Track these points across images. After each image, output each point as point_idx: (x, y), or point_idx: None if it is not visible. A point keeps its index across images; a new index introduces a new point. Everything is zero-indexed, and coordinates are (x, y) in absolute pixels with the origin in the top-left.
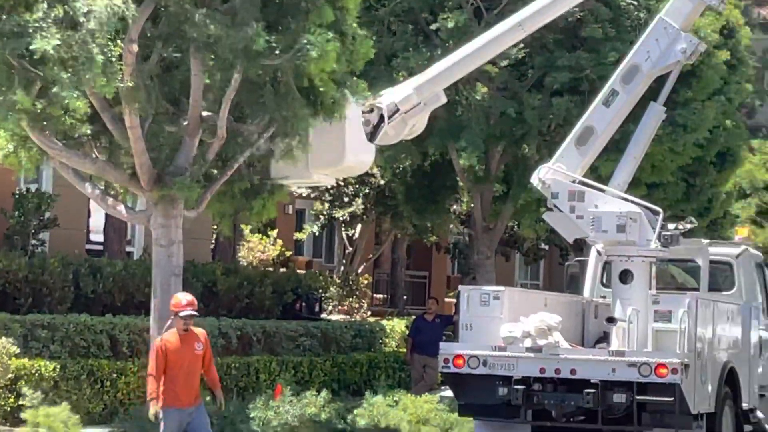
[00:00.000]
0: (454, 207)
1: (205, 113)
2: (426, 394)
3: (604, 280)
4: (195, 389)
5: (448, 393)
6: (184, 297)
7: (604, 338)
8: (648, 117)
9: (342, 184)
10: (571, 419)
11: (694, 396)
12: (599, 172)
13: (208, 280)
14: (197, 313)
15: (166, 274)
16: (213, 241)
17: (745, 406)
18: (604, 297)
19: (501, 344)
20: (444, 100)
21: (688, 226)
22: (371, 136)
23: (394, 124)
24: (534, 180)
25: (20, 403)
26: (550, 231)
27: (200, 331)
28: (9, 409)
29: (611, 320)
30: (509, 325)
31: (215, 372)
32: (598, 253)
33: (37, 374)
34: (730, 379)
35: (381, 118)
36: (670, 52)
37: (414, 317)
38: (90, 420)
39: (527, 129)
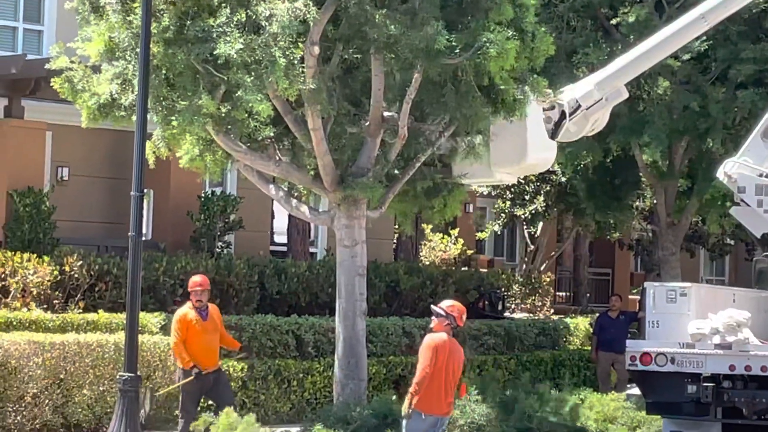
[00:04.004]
0: (637, 203)
1: (386, 113)
2: (613, 391)
3: None
4: None
5: (635, 391)
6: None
7: None
8: None
9: (523, 181)
10: (763, 417)
11: None
12: None
13: (391, 279)
14: None
15: (351, 275)
16: (395, 241)
17: None
18: None
19: (689, 341)
20: (626, 95)
21: None
22: (553, 134)
23: (575, 120)
24: (720, 174)
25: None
26: (736, 226)
27: None
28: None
29: None
30: (697, 322)
31: None
32: None
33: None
34: None
35: (562, 114)
36: None
37: (598, 315)
38: (277, 419)
39: (711, 123)
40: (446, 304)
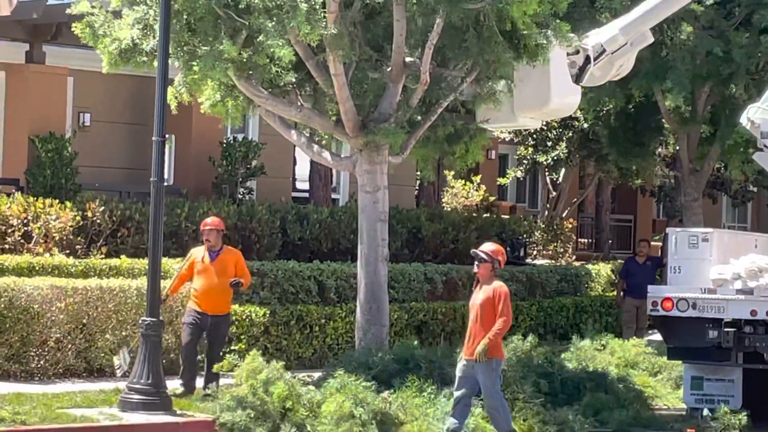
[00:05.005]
0: (660, 149)
1: (408, 59)
2: (634, 337)
3: None
4: None
5: (656, 336)
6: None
7: None
8: None
9: (546, 128)
10: None
11: None
12: None
13: (413, 225)
14: None
15: (372, 220)
16: (417, 187)
17: None
18: None
19: (711, 287)
20: (651, 39)
21: None
22: (577, 78)
23: (600, 65)
24: (743, 120)
25: (231, 348)
26: (758, 172)
27: None
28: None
29: None
30: (719, 267)
31: None
32: None
33: (247, 320)
34: None
35: (587, 59)
36: None
37: (624, 260)
38: (300, 365)
39: (735, 68)
40: (489, 248)
